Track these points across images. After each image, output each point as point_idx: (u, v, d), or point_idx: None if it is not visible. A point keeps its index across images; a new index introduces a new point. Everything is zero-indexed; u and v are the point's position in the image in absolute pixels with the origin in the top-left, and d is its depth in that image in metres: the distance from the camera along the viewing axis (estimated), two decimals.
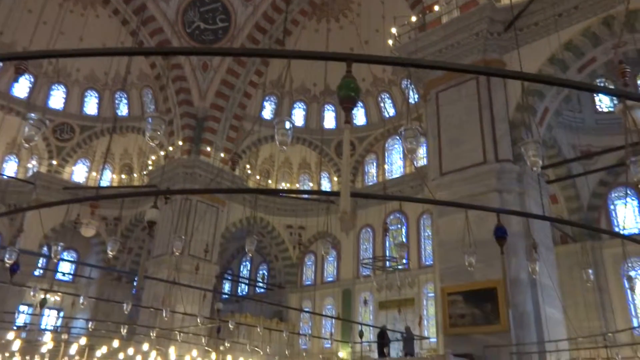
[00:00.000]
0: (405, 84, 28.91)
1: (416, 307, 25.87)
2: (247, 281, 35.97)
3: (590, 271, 6.78)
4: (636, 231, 22.49)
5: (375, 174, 32.09)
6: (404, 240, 28.62)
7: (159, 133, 4.75)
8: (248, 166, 32.54)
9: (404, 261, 23.88)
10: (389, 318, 24.68)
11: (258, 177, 33.08)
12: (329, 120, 33.09)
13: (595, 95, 23.90)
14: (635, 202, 23.14)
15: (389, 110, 30.81)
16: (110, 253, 10.02)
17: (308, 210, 32.25)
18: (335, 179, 32.76)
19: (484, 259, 13.98)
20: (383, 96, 31.21)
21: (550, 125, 19.31)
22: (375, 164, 32.45)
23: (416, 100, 27.87)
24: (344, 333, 27.67)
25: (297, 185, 33.55)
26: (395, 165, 31.27)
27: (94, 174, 33.27)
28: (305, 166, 34.00)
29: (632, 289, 21.83)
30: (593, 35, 16.33)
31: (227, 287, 36.97)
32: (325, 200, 30.62)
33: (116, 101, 32.12)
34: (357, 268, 29.40)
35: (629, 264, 21.71)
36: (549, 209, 19.71)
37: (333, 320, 29.56)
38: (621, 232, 21.96)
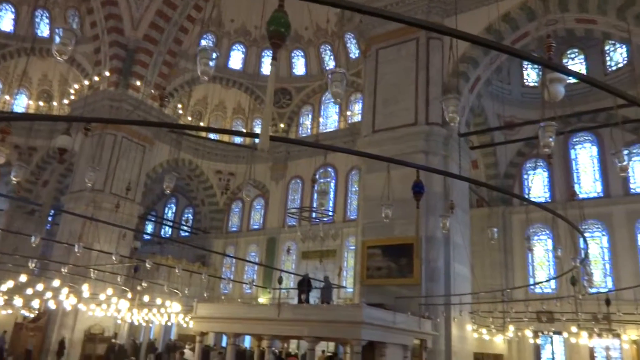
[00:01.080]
0: (347, 36, 28.70)
1: (337, 258, 26.80)
2: (171, 224, 35.42)
3: (494, 230, 7.36)
4: (543, 200, 24.34)
5: (309, 126, 32.05)
6: (331, 192, 29.27)
7: (69, 48, 4.32)
8: (180, 106, 31.36)
9: (330, 213, 24.42)
10: (310, 268, 25.40)
11: (190, 118, 32.03)
12: (269, 66, 32.18)
13: (523, 69, 25.15)
14: (546, 174, 24.95)
15: (329, 63, 30.52)
16: (14, 179, 8.70)
17: (239, 157, 31.94)
18: (270, 127, 32.32)
19: (405, 216, 14.73)
20: (324, 47, 30.80)
21: (480, 94, 20.13)
22: (310, 116, 32.36)
23: (357, 55, 28.02)
24: (266, 280, 28.29)
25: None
26: (330, 120, 31.35)
27: (7, 97, 30.66)
28: (240, 111, 33.31)
29: (532, 252, 24.03)
30: (529, 10, 16.99)
31: (149, 228, 36.25)
32: (257, 148, 30.29)
33: (36, 19, 29.34)
34: (283, 217, 29.74)
35: (532, 229, 23.81)
36: (470, 173, 20.88)
37: (255, 267, 30.02)
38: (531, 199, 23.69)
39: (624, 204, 22.12)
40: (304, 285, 14.89)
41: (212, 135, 31.70)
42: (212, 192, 33.24)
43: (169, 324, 25.76)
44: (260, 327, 13.40)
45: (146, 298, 19.69)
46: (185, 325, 24.37)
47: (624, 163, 4.17)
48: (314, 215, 23.30)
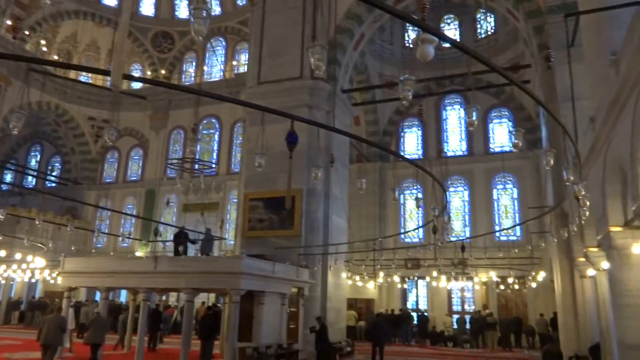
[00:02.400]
0: None
1: (220, 211, 26.65)
2: (34, 173, 32.20)
3: (362, 181, 7.75)
4: (416, 157, 26.12)
5: (193, 74, 30.69)
6: (215, 144, 28.66)
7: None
8: (43, 42, 28.07)
9: (212, 165, 23.94)
10: (191, 220, 25.01)
11: (56, 57, 28.83)
12: (148, 7, 29.90)
13: (405, 30, 26.22)
14: (420, 132, 26.72)
15: (215, 9, 29.11)
16: None
17: (115, 103, 29.63)
18: (149, 73, 30.39)
19: (287, 170, 14.91)
20: None
21: (364, 52, 20.66)
22: (194, 63, 30.95)
23: (245, 2, 27.03)
24: (145, 234, 27.25)
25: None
26: (216, 69, 30.27)
27: None
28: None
29: (403, 205, 25.95)
30: None
31: (9, 178, 32.71)
32: (136, 94, 28.45)
33: None
34: (163, 169, 28.55)
35: (405, 184, 25.58)
36: (351, 129, 21.63)
37: (133, 220, 28.78)
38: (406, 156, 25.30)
39: (484, 162, 24.54)
40: (181, 238, 14.62)
41: (83, 78, 29.03)
42: (84, 140, 30.78)
43: (32, 280, 23.99)
44: (136, 280, 13.03)
45: (2, 253, 18.02)
46: (53, 281, 22.86)
47: (473, 119, 4.60)
48: (196, 167, 22.67)
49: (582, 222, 8.86)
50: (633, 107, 6.00)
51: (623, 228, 7.64)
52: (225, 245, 25.32)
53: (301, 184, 16.09)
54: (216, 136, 29.29)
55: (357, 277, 22.95)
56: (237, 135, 28.32)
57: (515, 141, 4.90)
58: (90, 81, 28.61)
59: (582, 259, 11.34)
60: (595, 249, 9.92)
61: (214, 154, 28.79)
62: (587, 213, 7.32)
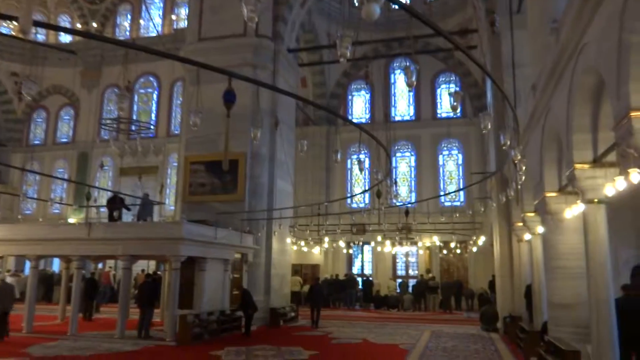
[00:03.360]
0: None
1: (159, 175, 26.09)
2: None
3: (304, 142, 7.72)
4: (363, 121, 26.36)
5: (128, 29, 29.19)
6: (153, 104, 27.69)
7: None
8: None
9: (150, 126, 23.22)
10: (129, 185, 24.33)
11: None
12: None
13: None
14: (368, 95, 26.90)
15: None
16: None
17: (43, 57, 27.80)
18: (79, 25, 28.63)
19: (231, 132, 14.73)
20: None
21: (311, 10, 20.32)
22: (129, 16, 29.39)
23: None
24: (78, 199, 26.23)
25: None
26: (152, 23, 28.82)
27: None
28: (41, 3, 28.73)
29: (351, 170, 26.31)
30: None
31: None
32: (64, 49, 26.86)
33: None
34: (97, 130, 27.34)
35: (353, 148, 25.84)
36: (298, 90, 21.49)
37: (65, 185, 27.63)
38: (353, 120, 25.49)
39: (431, 127, 25.10)
40: (115, 204, 14.23)
41: (4, 29, 27.01)
42: (7, 98, 28.91)
43: None
44: (68, 247, 12.67)
45: None
46: None
47: (413, 79, 4.68)
48: (132, 128, 21.94)
49: (520, 186, 9.31)
50: (570, 76, 6.28)
51: (557, 193, 8.08)
52: (165, 211, 24.93)
53: (244, 147, 15.94)
54: (154, 96, 28.31)
55: (302, 243, 23.27)
56: (177, 95, 27.49)
57: (454, 104, 5.03)
58: (12, 32, 26.58)
59: (520, 224, 11.97)
60: (532, 214, 10.47)
61: (153, 115, 27.89)
62: (523, 178, 7.68)
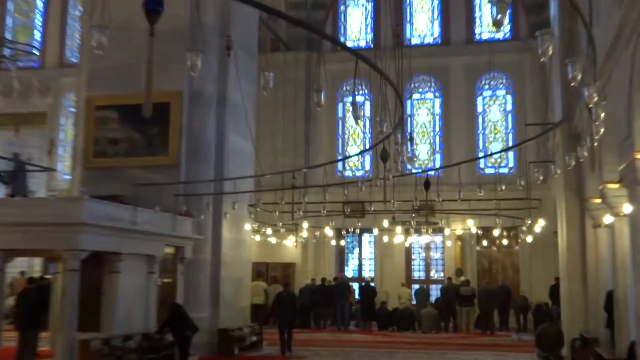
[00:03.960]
0: None
1: (48, 126, 25.84)
2: None
3: (269, 75, 7.50)
4: (364, 44, 26.15)
5: None
6: (38, 19, 27.19)
7: None
8: None
9: (34, 51, 22.70)
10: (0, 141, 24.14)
11: None
12: None
13: None
14: (370, 5, 26.56)
15: None
16: None
17: None
18: None
19: (158, 61, 14.46)
20: None
21: None
22: None
23: None
24: None
25: None
26: None
27: None
28: None
29: (345, 120, 26.23)
30: None
31: None
32: None
33: None
34: None
35: (347, 87, 25.66)
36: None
37: None
38: (346, 43, 25.27)
39: (465, 55, 25.11)
40: None
41: None
42: None
43: None
44: None
45: None
46: None
47: None
48: (5, 52, 21.43)
49: (597, 144, 9.32)
50: None
51: None
52: (57, 182, 24.84)
53: (178, 84, 15.81)
54: (40, 4, 27.87)
55: (269, 231, 23.29)
56: (75, 3, 26.97)
57: (498, 17, 4.92)
58: None
59: (597, 200, 12.06)
60: (616, 185, 10.50)
61: (37, 34, 27.55)
62: (602, 130, 7.66)
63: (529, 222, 21.41)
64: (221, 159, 16.65)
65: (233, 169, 16.75)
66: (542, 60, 6.66)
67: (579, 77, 6.44)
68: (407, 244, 24.43)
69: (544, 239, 21.82)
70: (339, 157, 25.43)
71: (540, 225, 21.32)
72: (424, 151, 25.47)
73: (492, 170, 24.32)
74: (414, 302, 23.14)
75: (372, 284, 24.12)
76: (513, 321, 22.20)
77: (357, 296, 23.61)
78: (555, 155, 16.47)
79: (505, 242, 23.55)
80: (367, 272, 25.65)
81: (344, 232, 24.91)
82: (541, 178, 16.71)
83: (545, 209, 21.83)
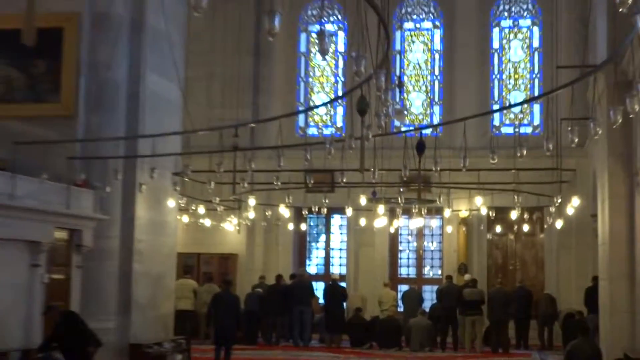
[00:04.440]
0: None
1: None
2: None
3: None
4: None
5: None
6: None
7: None
8: None
9: None
10: None
11: None
12: None
13: None
14: None
15: None
16: None
17: None
18: None
19: None
20: None
21: None
22: None
23: None
24: None
25: None
26: None
27: None
28: None
29: (309, 57, 26.08)
30: None
31: None
32: None
33: None
34: None
35: (313, 12, 25.52)
36: None
37: None
38: None
39: None
40: None
41: None
42: None
43: None
44: None
45: None
46: None
47: None
48: None
49: None
50: None
51: None
52: None
53: (76, 2, 15.71)
54: None
55: (202, 210, 23.17)
56: None
57: None
58: None
59: None
60: None
61: None
62: None
63: (559, 201, 21.51)
64: (135, 108, 16.56)
65: (152, 123, 16.67)
66: None
67: (630, 1, 6.45)
68: (392, 230, 24.53)
69: (578, 224, 22.07)
70: (300, 109, 25.34)
71: (573, 205, 21.43)
72: (418, 102, 25.49)
73: (510, 130, 24.47)
74: (400, 309, 23.29)
75: (343, 284, 24.24)
76: (535, 336, 22.48)
77: (321, 300, 23.69)
78: (596, 109, 16.56)
79: (526, 228, 23.78)
80: (337, 268, 25.76)
81: (305, 213, 24.81)
82: (576, 141, 16.88)
83: (581, 184, 22.07)
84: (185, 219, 22.98)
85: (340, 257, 26.05)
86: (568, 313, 21.06)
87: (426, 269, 25.58)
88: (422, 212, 22.60)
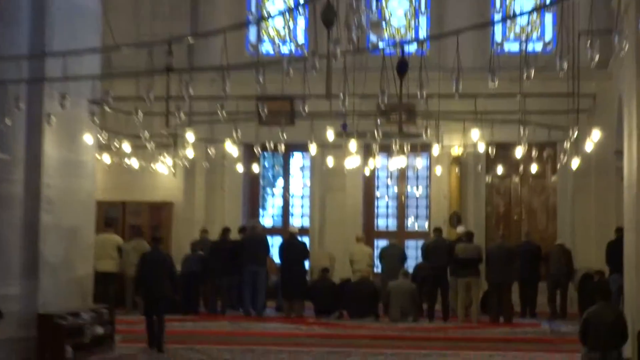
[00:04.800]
0: None
1: None
2: None
3: None
4: None
5: None
6: None
7: None
8: None
9: None
10: None
11: None
12: None
13: None
14: None
15: None
16: None
17: None
18: None
19: None
20: None
21: None
22: None
23: None
24: None
25: None
26: None
27: None
28: None
29: None
30: None
31: None
32: None
33: None
34: None
35: None
36: None
37: None
38: None
39: None
40: None
41: None
42: None
43: None
44: None
45: None
46: None
47: None
48: None
49: None
50: None
51: None
52: None
53: None
54: None
55: (127, 147, 23.15)
56: None
57: None
58: None
59: None
60: None
61: None
62: None
63: (575, 134, 21.71)
64: (41, 19, 16.43)
65: (64, 38, 16.53)
66: None
67: None
68: (367, 172, 24.59)
69: (599, 163, 22.32)
70: (250, 19, 25.27)
71: (593, 140, 21.62)
72: (400, 11, 25.49)
73: (515, 47, 24.55)
74: (377, 270, 23.47)
75: (306, 239, 24.36)
76: (544, 301, 22.78)
77: (278, 259, 23.84)
78: (622, 20, 16.65)
79: (534, 168, 23.86)
80: (298, 220, 25.88)
81: (258, 151, 24.80)
82: (597, 59, 17.09)
83: (603, 113, 22.21)
84: (106, 158, 22.91)
85: (302, 206, 26.17)
86: (585, 273, 21.29)
87: (410, 220, 25.72)
88: (405, 149, 22.65)
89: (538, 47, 24.63)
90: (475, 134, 22.67)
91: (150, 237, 19.87)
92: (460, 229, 23.15)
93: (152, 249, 17.67)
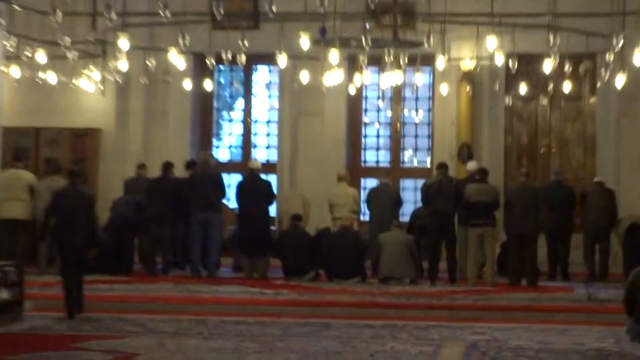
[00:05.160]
0: None
1: None
2: None
3: None
4: None
5: None
6: None
7: None
8: None
9: None
10: None
11: None
12: None
13: None
14: None
15: None
16: None
17: None
18: None
19: None
20: None
21: None
22: None
23: None
24: None
25: None
26: None
27: None
28: None
29: None
30: None
31: None
32: None
33: None
34: None
35: None
36: None
37: None
38: None
39: None
40: None
41: None
42: None
43: None
44: None
45: None
46: None
47: None
48: None
49: None
50: None
51: None
52: None
53: None
54: None
55: (42, 56, 22.90)
56: None
57: None
58: None
59: None
60: None
61: None
62: None
63: (621, 43, 21.52)
64: None
65: None
66: None
67: None
68: (352, 91, 24.45)
69: None
70: None
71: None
72: None
73: None
74: (365, 218, 23.31)
75: (271, 178, 24.14)
76: (579, 259, 22.62)
77: (236, 202, 23.68)
78: None
79: (567, 87, 23.65)
80: (263, 152, 25.72)
81: (212, 63, 24.59)
82: None
83: None
84: (15, 72, 22.61)
85: (269, 135, 25.96)
86: (633, 223, 21.07)
87: (407, 154, 25.52)
88: (401, 62, 22.44)
89: None
90: (491, 42, 22.36)
91: (69, 173, 19.40)
92: (471, 165, 22.87)
93: (68, 186, 17.06)
